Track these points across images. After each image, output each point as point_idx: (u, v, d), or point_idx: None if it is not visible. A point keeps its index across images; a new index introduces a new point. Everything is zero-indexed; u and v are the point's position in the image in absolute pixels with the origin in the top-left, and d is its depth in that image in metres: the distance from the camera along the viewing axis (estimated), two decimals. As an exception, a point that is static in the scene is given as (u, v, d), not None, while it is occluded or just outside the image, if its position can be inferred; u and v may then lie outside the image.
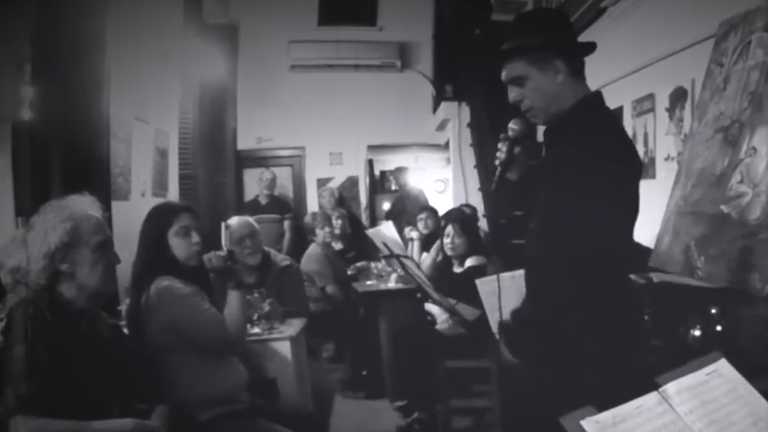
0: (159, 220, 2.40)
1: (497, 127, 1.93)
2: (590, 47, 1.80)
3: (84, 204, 2.01)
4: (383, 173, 8.22)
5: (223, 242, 2.42)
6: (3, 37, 3.25)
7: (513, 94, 1.80)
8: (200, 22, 6.46)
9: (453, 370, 3.58)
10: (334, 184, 7.68)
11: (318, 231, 5.20)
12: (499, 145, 1.92)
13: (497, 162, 1.92)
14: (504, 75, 1.81)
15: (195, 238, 2.38)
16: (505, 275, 2.52)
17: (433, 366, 3.61)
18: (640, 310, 1.90)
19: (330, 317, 4.79)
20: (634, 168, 1.72)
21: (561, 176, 1.62)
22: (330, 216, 5.42)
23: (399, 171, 7.45)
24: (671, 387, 1.09)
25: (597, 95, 1.79)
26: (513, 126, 1.90)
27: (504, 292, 2.52)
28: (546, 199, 1.67)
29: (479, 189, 6.83)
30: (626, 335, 1.63)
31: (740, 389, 1.12)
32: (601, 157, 1.59)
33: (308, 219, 5.80)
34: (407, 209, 6.51)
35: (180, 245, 2.36)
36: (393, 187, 8.09)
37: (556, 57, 1.75)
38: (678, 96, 3.39)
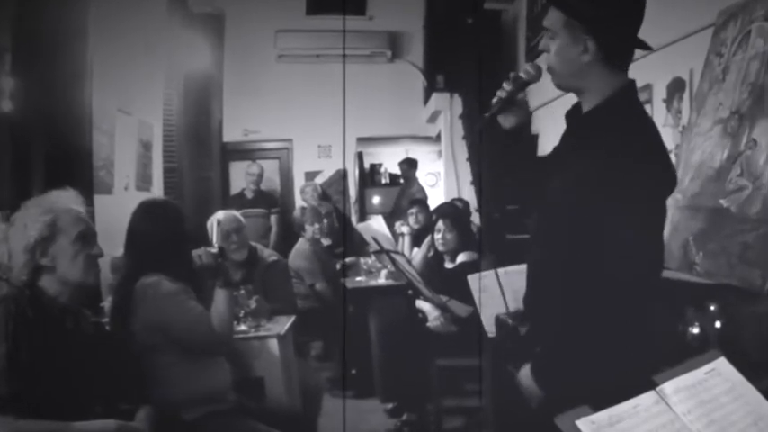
0: (179, 218, 2.44)
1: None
2: (640, 44, 1.60)
3: (67, 198, 2.00)
4: (373, 166, 8.16)
5: (214, 239, 2.37)
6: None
7: (542, 42, 1.66)
8: (185, 10, 6.45)
9: (445, 368, 3.54)
10: (322, 178, 7.62)
11: (308, 227, 5.15)
12: (504, 84, 1.75)
13: (494, 100, 1.75)
14: (545, 19, 1.65)
15: None
16: (498, 271, 2.49)
17: (424, 365, 3.58)
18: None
19: (318, 314, 4.74)
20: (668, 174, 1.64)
21: (592, 183, 1.49)
22: (320, 211, 5.36)
23: (408, 163, 7.37)
24: (668, 386, 1.08)
25: (630, 87, 1.62)
26: (528, 69, 1.72)
27: (497, 289, 2.48)
28: (567, 200, 1.55)
29: (471, 183, 6.78)
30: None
31: (739, 388, 1.12)
32: (639, 168, 1.48)
33: (296, 213, 5.73)
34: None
35: None
36: (384, 181, 8.03)
37: (587, 34, 1.56)
38: (676, 87, 3.37)
